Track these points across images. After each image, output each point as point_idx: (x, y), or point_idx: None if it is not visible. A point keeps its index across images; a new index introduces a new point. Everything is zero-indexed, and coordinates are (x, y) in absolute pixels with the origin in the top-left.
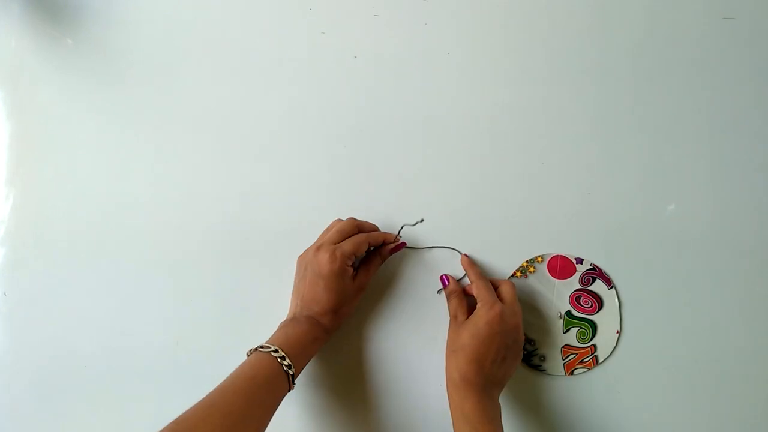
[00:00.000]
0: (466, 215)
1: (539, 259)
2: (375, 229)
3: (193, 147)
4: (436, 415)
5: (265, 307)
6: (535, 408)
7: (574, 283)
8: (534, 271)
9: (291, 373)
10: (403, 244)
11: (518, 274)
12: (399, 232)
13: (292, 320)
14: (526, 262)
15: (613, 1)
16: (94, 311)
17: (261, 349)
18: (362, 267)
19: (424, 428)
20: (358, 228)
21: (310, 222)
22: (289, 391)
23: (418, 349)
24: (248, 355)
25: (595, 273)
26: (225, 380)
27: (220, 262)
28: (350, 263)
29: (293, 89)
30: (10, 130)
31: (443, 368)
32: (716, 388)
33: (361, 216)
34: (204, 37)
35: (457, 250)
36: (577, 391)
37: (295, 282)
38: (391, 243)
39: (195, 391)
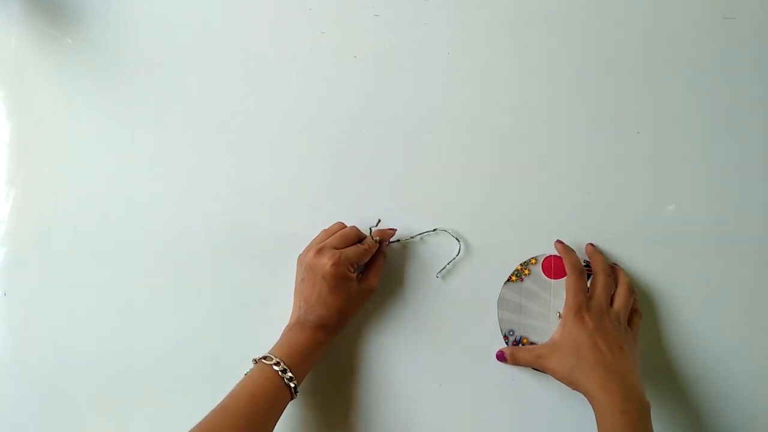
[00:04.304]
0: (465, 215)
1: (533, 261)
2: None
3: (193, 147)
4: (435, 415)
5: (265, 307)
6: (546, 411)
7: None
8: (529, 274)
9: (292, 385)
10: (393, 230)
11: (513, 278)
12: (370, 232)
13: (296, 325)
14: (520, 265)
15: (613, 1)
16: (94, 311)
17: (264, 361)
18: (369, 268)
19: (425, 428)
20: (359, 237)
21: (311, 222)
22: (291, 399)
23: (418, 349)
24: (254, 363)
25: (589, 269)
26: (226, 397)
27: (220, 262)
28: (352, 270)
29: (293, 89)
30: (10, 130)
31: (442, 368)
32: (717, 387)
33: (361, 215)
34: (204, 37)
35: (447, 231)
36: None
37: (296, 283)
38: (387, 237)
39: (195, 392)
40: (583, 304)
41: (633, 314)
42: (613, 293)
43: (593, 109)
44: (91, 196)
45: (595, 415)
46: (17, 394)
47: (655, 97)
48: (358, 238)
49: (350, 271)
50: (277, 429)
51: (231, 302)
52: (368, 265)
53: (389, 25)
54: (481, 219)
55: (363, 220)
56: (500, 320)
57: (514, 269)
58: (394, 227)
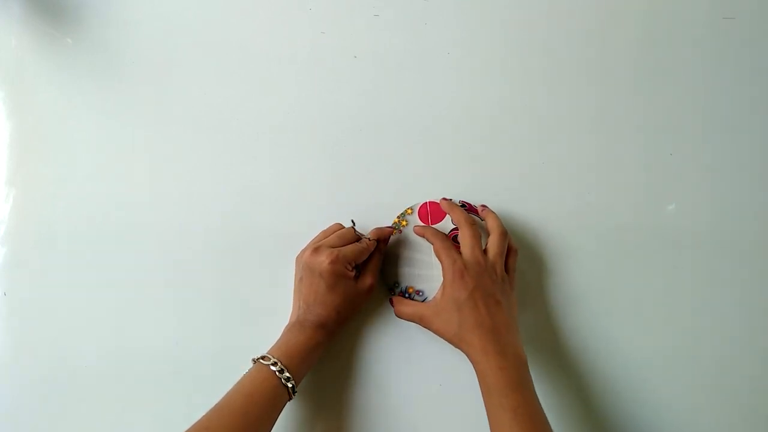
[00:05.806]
0: None
1: (409, 210)
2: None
3: (193, 147)
4: (435, 415)
5: (265, 308)
6: (546, 410)
7: (447, 224)
8: (407, 224)
9: (290, 385)
10: (391, 229)
11: (393, 231)
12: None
13: (295, 324)
14: (398, 217)
15: (613, 1)
16: (94, 311)
17: (262, 361)
18: (365, 268)
19: (425, 428)
20: (356, 237)
21: (310, 222)
22: (289, 400)
23: (418, 349)
24: (253, 363)
25: (466, 208)
26: (224, 397)
27: (220, 262)
28: (350, 268)
29: (293, 89)
30: (10, 130)
31: (442, 368)
32: (715, 388)
33: (361, 215)
34: (204, 37)
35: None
36: None
37: (294, 283)
38: (385, 237)
39: (195, 392)
40: (456, 261)
41: (509, 255)
42: (488, 241)
43: (593, 109)
44: (91, 196)
45: (476, 375)
46: (17, 394)
47: (655, 97)
48: (356, 238)
49: (348, 269)
50: (276, 429)
51: (231, 302)
52: (364, 265)
53: (389, 25)
54: None
55: (363, 221)
56: (383, 273)
57: (392, 223)
58: (392, 226)
